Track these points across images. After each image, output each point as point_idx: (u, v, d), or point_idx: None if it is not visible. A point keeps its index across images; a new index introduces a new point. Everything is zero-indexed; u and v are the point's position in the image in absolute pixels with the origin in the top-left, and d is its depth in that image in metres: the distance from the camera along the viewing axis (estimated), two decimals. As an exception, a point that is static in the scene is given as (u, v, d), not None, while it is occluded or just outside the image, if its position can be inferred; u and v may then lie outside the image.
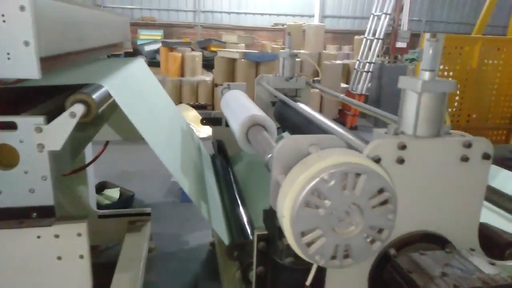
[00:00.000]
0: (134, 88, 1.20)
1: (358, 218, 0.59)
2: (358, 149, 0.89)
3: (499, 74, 2.94)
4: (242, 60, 5.52)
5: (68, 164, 1.15)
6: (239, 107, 1.44)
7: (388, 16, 5.52)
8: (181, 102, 5.97)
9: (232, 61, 5.67)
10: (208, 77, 6.41)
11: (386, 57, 6.26)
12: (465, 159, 0.92)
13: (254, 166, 1.87)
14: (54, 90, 1.03)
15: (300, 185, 0.56)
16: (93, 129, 1.49)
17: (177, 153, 1.23)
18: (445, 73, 2.71)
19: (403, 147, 0.89)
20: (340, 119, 6.14)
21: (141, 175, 3.43)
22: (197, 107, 5.70)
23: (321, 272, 0.90)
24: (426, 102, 0.91)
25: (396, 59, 6.08)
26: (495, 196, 2.00)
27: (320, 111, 6.06)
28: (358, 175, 0.57)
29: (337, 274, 0.93)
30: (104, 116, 1.51)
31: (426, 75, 0.92)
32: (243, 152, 2.06)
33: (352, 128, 5.96)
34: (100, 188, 2.99)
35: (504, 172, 2.35)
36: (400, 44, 5.75)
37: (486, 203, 1.97)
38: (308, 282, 0.69)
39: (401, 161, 0.90)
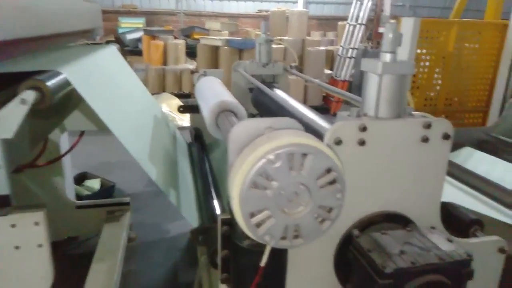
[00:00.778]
0: (99, 76, 1.18)
1: (307, 198, 0.59)
2: (323, 133, 0.90)
3: (476, 57, 2.98)
4: (225, 47, 5.47)
5: (26, 153, 1.13)
6: (211, 93, 1.43)
7: (370, 1, 5.51)
8: (164, 91, 5.91)
9: (215, 49, 5.61)
10: (191, 65, 6.34)
11: (369, 43, 6.27)
12: (425, 139, 0.94)
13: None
14: (14, 79, 1.01)
15: (248, 166, 0.56)
16: (57, 118, 1.46)
17: (146, 142, 1.22)
18: (422, 57, 2.73)
19: (363, 129, 0.90)
20: (325, 106, 6.16)
21: (122, 165, 3.41)
22: (180, 95, 5.65)
23: (282, 255, 0.92)
24: (387, 84, 0.92)
25: (379, 44, 6.09)
26: (468, 177, 2.05)
27: (305, 97, 6.07)
28: (304, 155, 0.58)
29: (300, 256, 0.94)
30: (69, 105, 1.48)
31: (387, 57, 0.93)
32: (220, 140, 2.06)
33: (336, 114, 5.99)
34: (80, 179, 2.96)
35: (478, 153, 2.40)
36: (383, 29, 5.76)
37: (457, 183, 2.02)
38: (262, 263, 0.70)
39: (362, 142, 0.91)
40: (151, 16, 7.85)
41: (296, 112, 1.44)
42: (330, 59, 6.80)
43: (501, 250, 1.10)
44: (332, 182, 0.61)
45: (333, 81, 6.11)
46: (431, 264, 0.82)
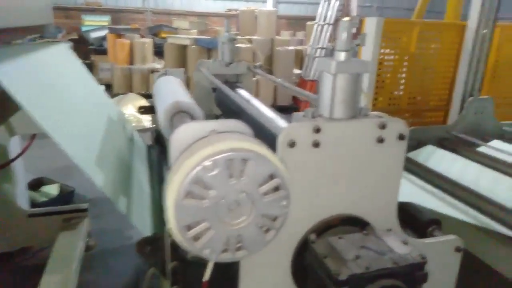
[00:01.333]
0: (39, 75, 1.09)
1: (249, 207, 0.55)
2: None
3: (437, 57, 3.04)
4: (193, 46, 5.37)
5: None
6: (167, 94, 1.37)
7: (338, 1, 5.57)
8: (131, 91, 5.73)
9: (183, 48, 5.50)
10: (159, 65, 6.20)
11: (337, 43, 6.33)
12: (380, 140, 0.92)
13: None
14: None
15: (182, 174, 0.51)
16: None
17: (94, 146, 1.14)
18: (386, 57, 2.76)
19: (317, 130, 0.87)
20: (294, 105, 6.18)
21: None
22: (147, 96, 5.49)
23: (234, 263, 0.87)
24: (341, 84, 0.89)
25: (346, 44, 6.16)
26: (428, 174, 2.08)
27: (274, 97, 6.06)
28: (245, 161, 0.54)
29: (254, 264, 0.90)
30: (11, 106, 1.38)
31: (342, 56, 0.90)
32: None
33: (306, 114, 6.02)
34: (37, 184, 2.81)
35: (439, 151, 2.46)
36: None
37: (419, 180, 2.05)
38: (205, 278, 0.65)
39: (316, 144, 0.88)
40: (116, 14, 7.60)
41: (255, 113, 1.40)
42: (300, 59, 6.83)
43: (458, 249, 1.10)
44: (276, 189, 0.57)
45: (302, 81, 6.14)
46: (386, 269, 0.80)
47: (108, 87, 6.14)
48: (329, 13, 5.63)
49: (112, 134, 1.41)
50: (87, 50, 6.85)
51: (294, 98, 6.35)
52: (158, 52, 6.54)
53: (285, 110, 6.16)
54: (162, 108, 1.23)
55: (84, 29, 6.99)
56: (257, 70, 2.13)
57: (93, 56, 6.68)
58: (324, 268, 0.81)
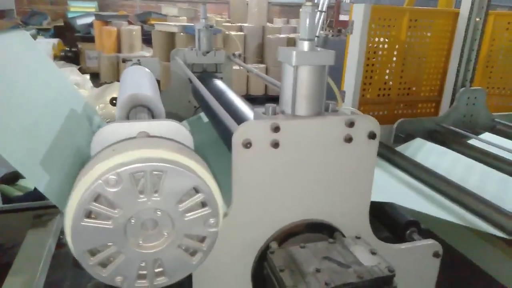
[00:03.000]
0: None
1: (169, 227, 0.47)
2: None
3: (428, 46, 2.94)
4: (181, 34, 5.22)
5: None
6: (128, 85, 1.27)
7: (330, -12, 5.42)
8: (118, 80, 5.59)
9: (171, 35, 5.34)
10: (148, 53, 6.05)
11: (330, 31, 6.20)
12: (348, 139, 0.83)
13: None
14: None
15: (80, 190, 0.42)
16: None
17: (41, 146, 1.04)
18: (375, 45, 2.65)
19: (276, 129, 0.78)
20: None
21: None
22: (135, 85, 5.35)
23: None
24: (304, 77, 0.80)
25: (340, 32, 6.04)
26: (415, 169, 2.00)
27: (266, 87, 5.93)
28: (158, 174, 0.45)
29: (209, 275, 0.82)
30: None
31: (305, 46, 0.80)
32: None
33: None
34: (14, 178, 2.71)
35: (429, 144, 2.38)
36: (344, 17, 5.70)
37: (405, 175, 1.96)
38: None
39: (275, 144, 0.79)
40: (104, 0, 7.39)
41: (226, 107, 1.31)
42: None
43: (436, 254, 1.03)
44: (202, 205, 0.48)
45: (294, 69, 6.01)
46: (348, 284, 0.72)
47: (96, 76, 5.99)
48: (321, 0, 5.48)
49: (71, 131, 1.31)
50: (74, 38, 6.68)
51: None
52: (147, 40, 6.37)
53: (276, 100, 6.00)
54: (119, 101, 1.13)
55: (70, 15, 6.79)
56: (236, 59, 2.02)
57: (80, 44, 6.50)
58: (280, 282, 0.73)
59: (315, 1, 5.61)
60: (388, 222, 1.20)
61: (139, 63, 1.94)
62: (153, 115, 1.11)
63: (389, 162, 2.18)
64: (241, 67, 1.95)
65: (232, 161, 0.78)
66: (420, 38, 2.85)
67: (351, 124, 0.82)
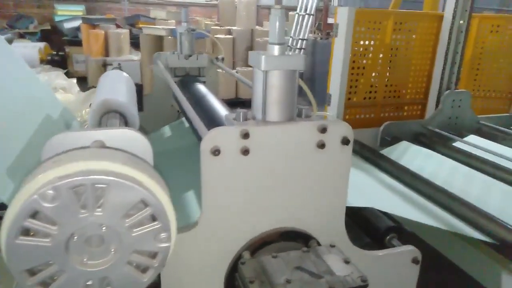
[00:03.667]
0: None
1: (116, 243, 0.44)
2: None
3: (413, 49, 2.95)
4: (169, 37, 5.18)
5: None
6: (103, 90, 1.24)
7: (318, -9, 5.43)
8: (106, 84, 5.52)
9: (159, 39, 5.31)
10: (136, 57, 5.99)
11: (319, 34, 6.21)
12: (321, 145, 0.81)
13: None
14: None
15: (16, 205, 0.39)
16: None
17: (11, 152, 1.01)
18: (360, 49, 2.65)
19: (245, 135, 0.76)
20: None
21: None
22: (123, 89, 5.29)
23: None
24: (274, 81, 0.78)
25: (328, 35, 6.05)
26: (399, 172, 1.99)
27: (236, 91, 5.90)
28: (101, 187, 0.42)
29: (180, 286, 0.79)
30: None
31: (275, 50, 0.78)
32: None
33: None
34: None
35: (414, 147, 2.37)
36: (332, 20, 5.72)
37: (390, 179, 1.95)
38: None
39: (245, 151, 0.76)
40: (91, 4, 7.31)
41: (202, 110, 1.29)
42: (282, 50, 6.68)
43: (415, 261, 1.01)
44: (152, 219, 0.46)
45: (284, 72, 6.00)
46: (319, 296, 0.70)
47: (84, 80, 5.92)
48: (309, 3, 5.49)
49: (45, 137, 1.27)
50: (61, 41, 6.59)
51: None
52: (136, 43, 6.32)
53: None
54: (91, 107, 1.10)
55: (57, 19, 6.71)
56: (219, 63, 2.00)
57: (68, 48, 6.42)
58: (249, 295, 0.70)
59: (305, 8, 5.63)
60: (368, 227, 1.18)
61: (119, 67, 1.91)
62: (126, 121, 1.08)
63: (374, 165, 2.17)
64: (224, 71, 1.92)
65: (201, 169, 0.75)
66: (405, 41, 2.85)
67: (323, 130, 0.80)
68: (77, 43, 6.36)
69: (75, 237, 0.42)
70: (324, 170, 0.84)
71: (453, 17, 2.52)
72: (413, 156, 2.28)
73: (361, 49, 2.75)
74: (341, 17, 2.38)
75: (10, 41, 1.61)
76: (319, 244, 0.88)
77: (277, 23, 0.77)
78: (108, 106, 1.06)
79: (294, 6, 6.55)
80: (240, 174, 0.78)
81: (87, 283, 0.44)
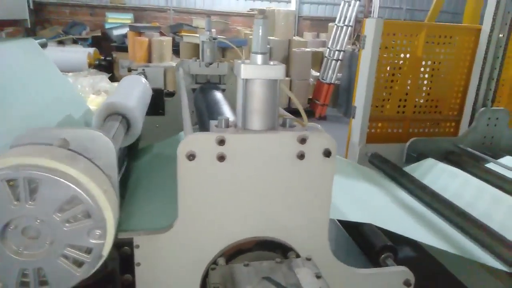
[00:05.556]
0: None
1: (50, 236, 0.47)
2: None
3: (447, 63, 2.83)
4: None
5: None
6: (114, 94, 1.31)
7: (358, 2, 5.35)
8: (146, 89, 5.77)
9: (197, 46, 5.48)
10: (176, 63, 6.22)
11: (357, 45, 6.11)
12: (301, 156, 0.81)
13: (160, 159, 1.74)
14: None
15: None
16: None
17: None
18: (390, 61, 2.59)
19: (221, 142, 0.77)
20: (309, 109, 6.01)
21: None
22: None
23: None
24: (253, 90, 0.79)
25: (367, 47, 5.92)
26: (418, 191, 1.90)
27: (290, 100, 5.91)
28: (35, 181, 0.45)
29: None
30: None
31: (258, 59, 0.79)
32: (155, 144, 1.93)
33: (321, 118, 5.85)
34: None
35: (440, 165, 2.25)
36: (371, 32, 5.59)
37: (409, 197, 1.86)
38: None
39: (221, 158, 0.78)
40: (139, 12, 7.72)
41: (211, 116, 1.32)
42: (320, 61, 6.64)
43: (407, 283, 0.96)
44: (86, 215, 0.48)
45: (319, 83, 5.97)
46: (279, 308, 0.69)
47: (127, 84, 6.23)
48: (348, 14, 5.43)
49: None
50: (110, 47, 7.00)
51: (311, 102, 6.17)
52: (178, 50, 6.57)
53: (300, 114, 5.96)
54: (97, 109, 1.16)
55: (107, 26, 7.16)
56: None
57: (115, 53, 6.81)
58: (210, 300, 0.71)
59: (344, 19, 5.57)
60: (363, 245, 1.14)
61: (143, 72, 2.00)
62: (128, 123, 1.13)
63: (395, 181, 2.09)
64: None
65: (177, 173, 0.77)
66: (438, 54, 2.74)
67: (302, 141, 0.80)
68: (124, 49, 6.72)
69: (11, 227, 0.45)
70: (304, 181, 0.83)
71: (491, 31, 2.39)
72: (437, 175, 2.16)
73: (390, 62, 2.67)
74: (369, 29, 2.33)
75: (43, 45, 1.74)
76: (298, 256, 0.86)
77: (260, 33, 0.78)
78: (112, 109, 1.11)
79: (331, 17, 6.48)
80: (215, 179, 0.79)
81: (24, 272, 0.47)
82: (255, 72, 0.77)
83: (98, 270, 0.64)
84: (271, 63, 0.79)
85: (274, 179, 0.81)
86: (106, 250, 0.51)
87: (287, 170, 0.81)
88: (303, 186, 0.83)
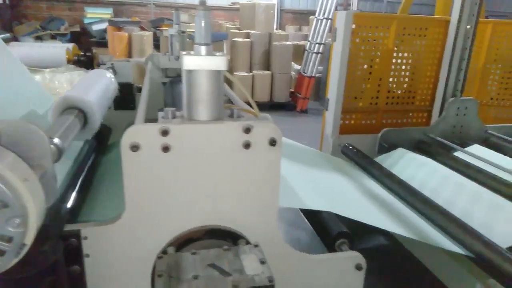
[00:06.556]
0: None
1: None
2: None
3: (418, 55, 2.87)
4: (188, 40, 5.30)
5: None
6: (74, 88, 1.30)
7: (337, -5, 5.38)
8: (126, 84, 5.72)
9: (178, 41, 5.44)
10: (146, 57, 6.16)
11: (338, 38, 6.14)
12: (246, 145, 0.82)
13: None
14: None
15: None
16: None
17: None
18: (361, 53, 2.62)
19: (164, 132, 0.78)
20: (291, 102, 6.04)
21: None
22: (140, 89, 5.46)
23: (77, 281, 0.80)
24: (196, 81, 0.80)
25: (348, 40, 5.96)
26: (385, 179, 1.95)
27: (271, 94, 5.93)
28: None
29: (104, 281, 0.83)
30: None
31: (202, 50, 0.81)
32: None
33: (303, 111, 5.89)
34: None
35: (410, 154, 2.30)
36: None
37: (377, 186, 1.91)
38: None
39: (165, 148, 0.79)
40: (119, 7, 7.61)
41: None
42: (302, 54, 6.67)
43: (358, 267, 0.99)
44: (5, 205, 0.49)
45: (300, 76, 5.99)
46: (219, 293, 0.71)
47: (107, 80, 6.15)
48: (328, 7, 5.45)
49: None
50: (89, 43, 6.90)
51: (293, 95, 6.20)
52: (159, 45, 6.51)
53: (281, 108, 6.02)
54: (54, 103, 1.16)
55: (86, 21, 7.04)
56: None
57: (95, 49, 6.72)
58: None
59: (324, 12, 5.59)
60: (320, 232, 1.17)
61: (112, 66, 1.98)
62: (85, 118, 1.13)
63: (365, 171, 2.13)
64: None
65: (122, 164, 0.78)
66: (410, 46, 2.78)
67: (247, 130, 0.81)
68: (104, 44, 6.63)
69: None
70: (251, 169, 0.84)
71: (459, 22, 2.43)
72: (406, 164, 2.21)
73: (362, 54, 2.70)
74: (339, 21, 2.35)
75: (6, 41, 1.71)
76: (248, 243, 0.88)
77: (203, 24, 0.79)
78: (69, 103, 1.11)
79: (314, 10, 6.51)
80: (160, 170, 0.80)
81: None
82: (198, 62, 0.78)
83: (39, 260, 0.65)
84: (217, 54, 0.80)
85: (221, 168, 0.83)
86: (29, 239, 0.52)
87: (233, 159, 0.83)
88: (250, 174, 0.85)
